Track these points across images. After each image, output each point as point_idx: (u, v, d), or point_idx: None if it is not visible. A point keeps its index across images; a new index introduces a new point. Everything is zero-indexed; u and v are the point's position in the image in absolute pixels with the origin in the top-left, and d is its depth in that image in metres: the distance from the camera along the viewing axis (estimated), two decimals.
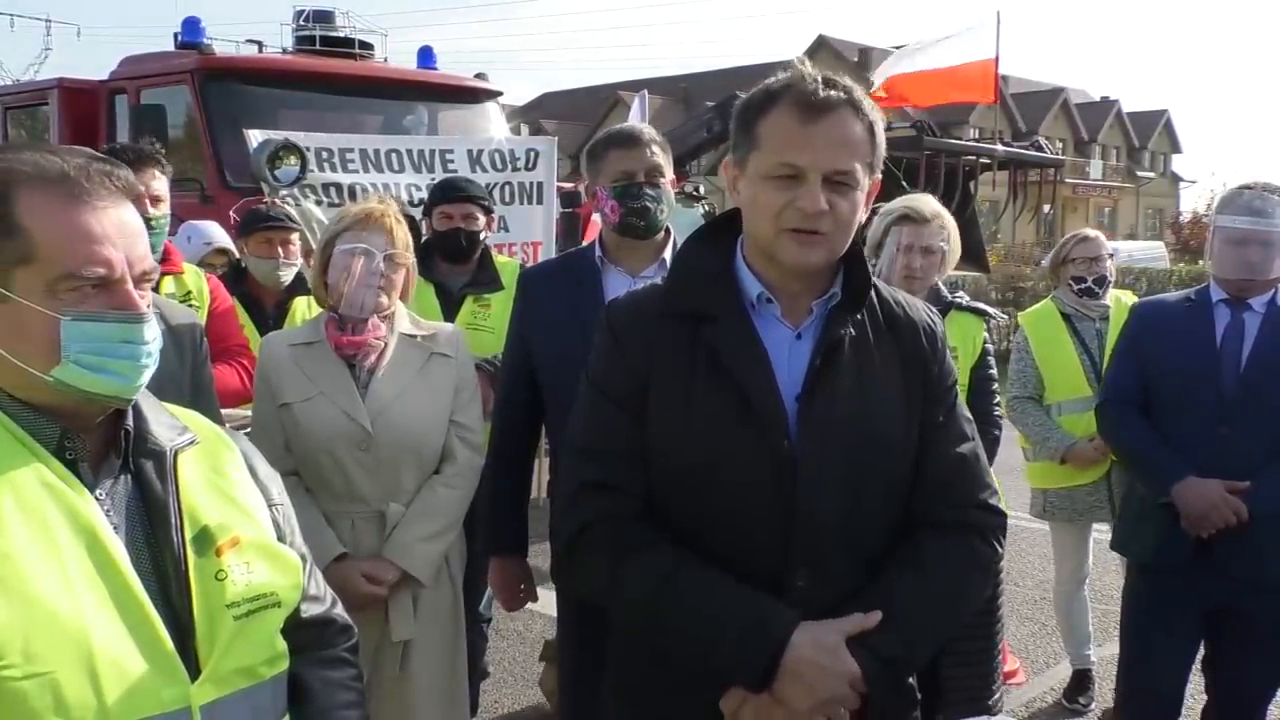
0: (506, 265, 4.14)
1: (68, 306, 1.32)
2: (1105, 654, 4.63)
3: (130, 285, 1.36)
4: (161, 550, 1.37)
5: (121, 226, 1.36)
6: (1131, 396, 3.24)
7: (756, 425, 1.73)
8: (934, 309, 1.99)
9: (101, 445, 1.40)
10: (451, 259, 3.91)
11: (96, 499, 1.34)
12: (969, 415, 1.94)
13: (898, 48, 15.00)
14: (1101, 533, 4.47)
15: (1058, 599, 4.63)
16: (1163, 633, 3.15)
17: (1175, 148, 58.59)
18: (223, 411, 2.89)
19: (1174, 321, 3.19)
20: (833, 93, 1.70)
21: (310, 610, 1.57)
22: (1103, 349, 4.21)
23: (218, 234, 5.08)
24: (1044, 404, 4.34)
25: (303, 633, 1.53)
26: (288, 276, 4.19)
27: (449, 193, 3.98)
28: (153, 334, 1.39)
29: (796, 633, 1.67)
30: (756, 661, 1.66)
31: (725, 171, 1.84)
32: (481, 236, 3.98)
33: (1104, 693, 4.54)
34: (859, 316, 1.81)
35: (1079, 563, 4.49)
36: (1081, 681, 4.55)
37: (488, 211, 4.03)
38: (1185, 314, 3.18)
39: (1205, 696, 3.33)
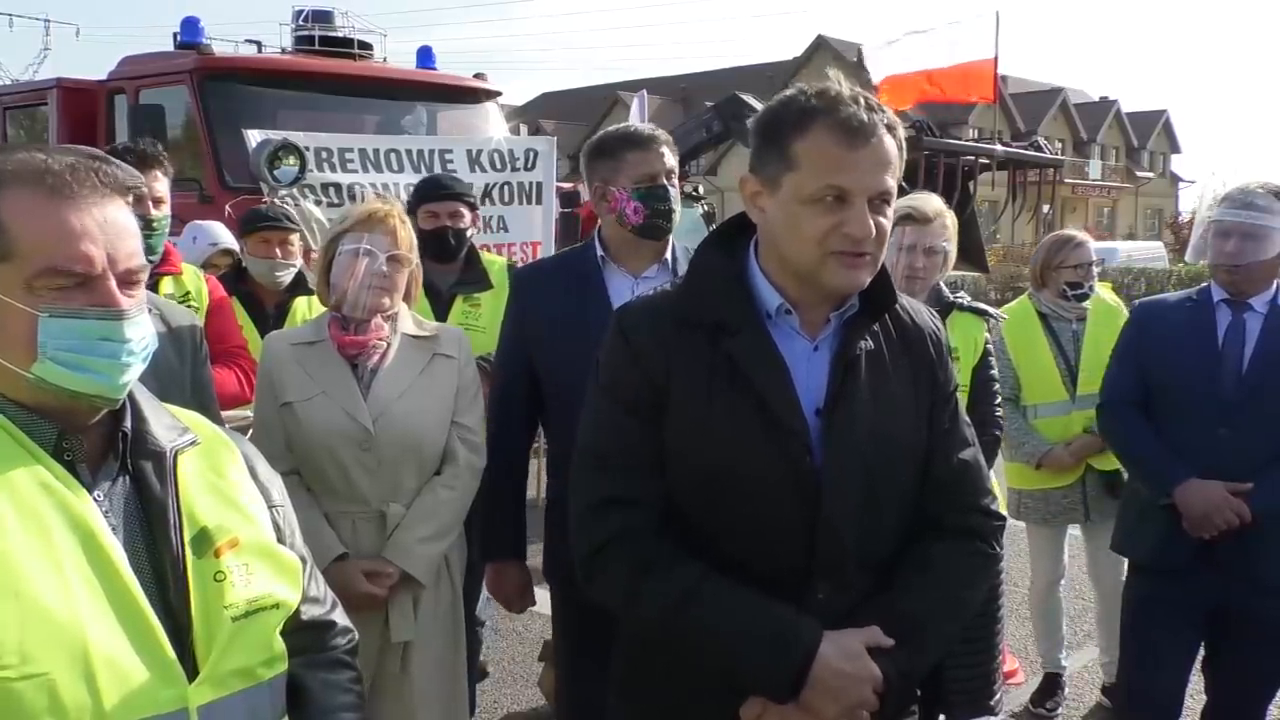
0: (494, 263, 4.08)
1: (46, 304, 1.31)
2: (1090, 656, 4.63)
3: (112, 282, 1.34)
4: (160, 551, 1.37)
5: (105, 224, 1.34)
6: (1132, 397, 3.23)
7: (779, 439, 1.73)
8: (936, 313, 2.00)
9: (100, 446, 1.40)
10: (439, 258, 3.82)
11: (95, 500, 1.33)
12: (968, 420, 1.96)
13: (891, 42, 14.95)
14: (1076, 534, 4.48)
15: (1032, 600, 4.61)
16: (1163, 633, 3.14)
17: (1174, 148, 58.62)
18: (224, 413, 2.89)
19: (1175, 322, 3.19)
20: (874, 116, 1.69)
21: (310, 612, 1.56)
22: (1079, 351, 4.18)
23: (223, 234, 5.07)
24: (1020, 405, 4.27)
25: (302, 634, 1.53)
26: (286, 277, 4.18)
27: (434, 191, 3.91)
28: (137, 332, 1.37)
29: (823, 643, 1.68)
30: (784, 674, 1.67)
31: (744, 187, 1.81)
32: (469, 234, 3.93)
33: (1084, 696, 4.56)
34: (874, 328, 1.81)
35: (1053, 564, 4.47)
36: (1051, 686, 4.49)
37: (473, 209, 3.98)
38: (1186, 314, 3.17)
39: (1205, 697, 3.33)
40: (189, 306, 3.36)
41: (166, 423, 1.46)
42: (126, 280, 1.36)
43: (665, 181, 2.79)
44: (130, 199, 1.41)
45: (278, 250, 4.15)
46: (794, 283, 1.77)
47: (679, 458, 1.77)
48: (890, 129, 1.72)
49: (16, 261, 1.30)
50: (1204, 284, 3.24)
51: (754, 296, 1.80)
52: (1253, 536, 2.94)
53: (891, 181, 1.71)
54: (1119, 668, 3.36)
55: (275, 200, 5.72)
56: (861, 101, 1.70)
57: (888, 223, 1.72)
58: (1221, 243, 3.05)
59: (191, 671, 1.33)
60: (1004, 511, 1.96)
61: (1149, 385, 3.19)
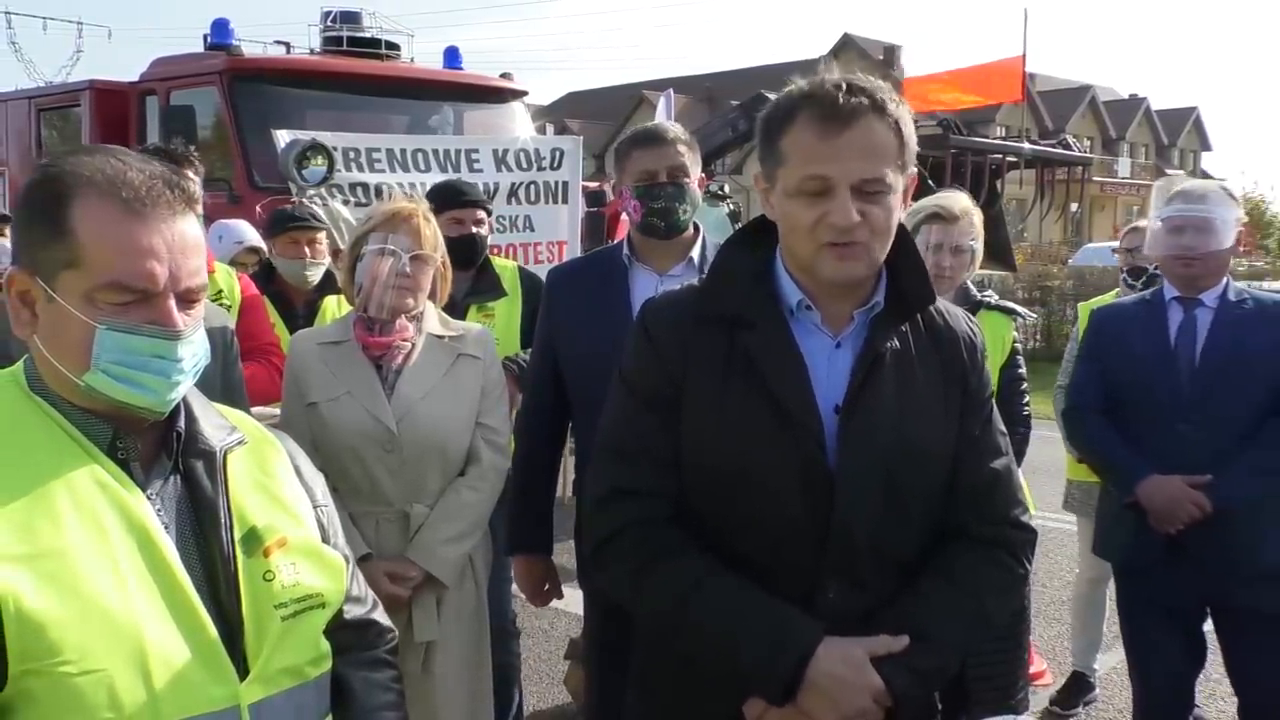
0: (505, 268, 4.04)
1: (104, 316, 1.32)
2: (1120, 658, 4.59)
3: (171, 301, 1.35)
4: (211, 550, 1.38)
5: (173, 241, 1.35)
6: (1094, 401, 3.30)
7: (792, 436, 1.70)
8: (972, 317, 1.96)
9: (153, 445, 1.41)
10: (464, 265, 3.75)
11: (148, 499, 1.35)
12: (1003, 429, 1.91)
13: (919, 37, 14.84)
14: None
15: (1075, 595, 4.63)
16: (1154, 633, 3.19)
17: (1205, 145, 57.99)
18: (253, 409, 2.92)
19: (1130, 323, 3.26)
20: (854, 99, 1.64)
21: (353, 611, 1.58)
22: None
23: (249, 233, 5.11)
24: None
25: (345, 633, 1.54)
26: (315, 276, 4.21)
27: (456, 197, 3.86)
28: (189, 351, 1.38)
29: (821, 647, 1.65)
30: (779, 676, 1.65)
31: (757, 185, 1.81)
32: (488, 241, 3.93)
33: (1115, 698, 4.52)
34: (902, 328, 1.78)
35: (1096, 562, 4.41)
36: (1078, 685, 4.48)
37: (489, 214, 3.97)
38: (1140, 315, 3.25)
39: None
40: (221, 304, 3.40)
41: (215, 422, 1.48)
42: (186, 298, 1.37)
43: (667, 179, 2.78)
44: (199, 210, 1.41)
45: (306, 249, 4.18)
46: (806, 277, 1.76)
47: (693, 453, 1.76)
48: (880, 111, 1.65)
49: (82, 271, 1.32)
50: (1155, 286, 3.32)
51: (777, 292, 1.79)
52: (1220, 528, 2.97)
53: (880, 168, 1.65)
54: (1129, 673, 3.40)
55: (304, 200, 5.76)
56: (843, 86, 1.65)
57: (880, 210, 1.67)
58: (1176, 237, 3.11)
59: (242, 670, 1.35)
60: (1032, 510, 1.94)
61: (1109, 387, 3.25)
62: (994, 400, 3.05)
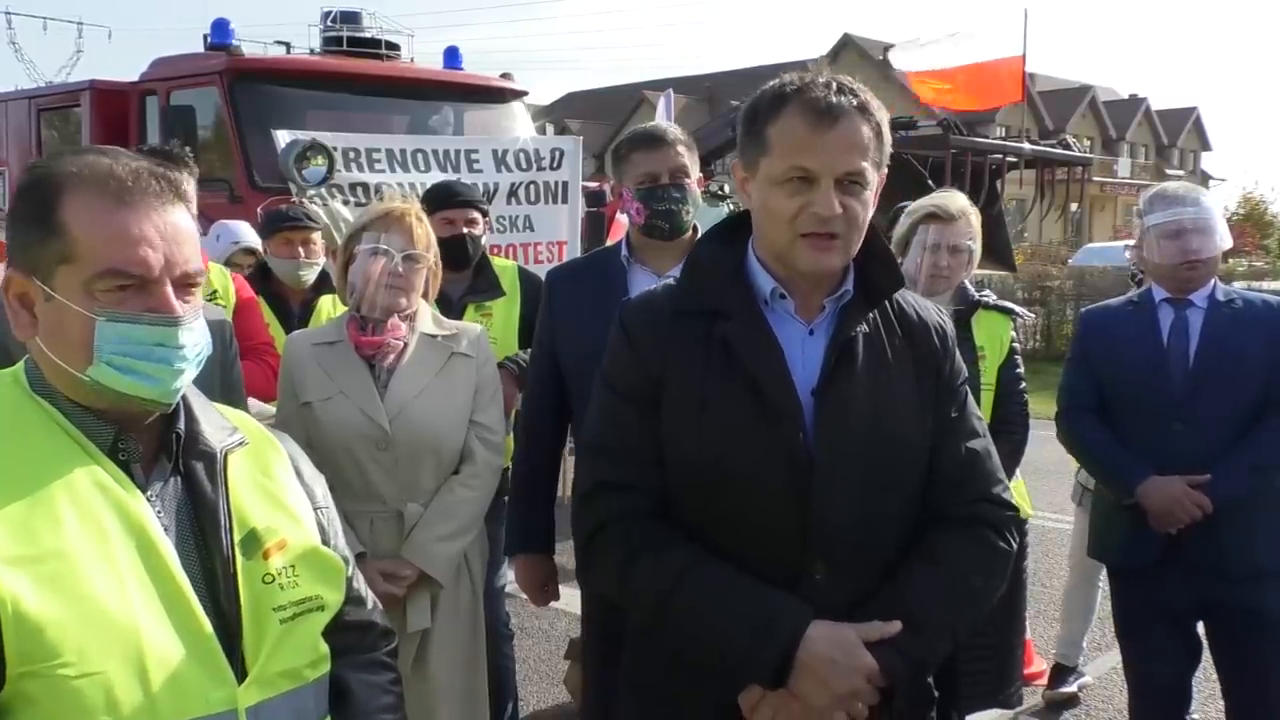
0: (505, 269, 4.02)
1: (102, 307, 1.32)
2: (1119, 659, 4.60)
3: (168, 288, 1.35)
4: (210, 552, 1.38)
5: (165, 229, 1.35)
6: (1087, 402, 3.31)
7: (772, 421, 1.74)
8: (943, 308, 2.00)
9: (154, 447, 1.41)
10: (456, 266, 3.72)
11: (148, 500, 1.35)
12: (979, 413, 1.95)
13: (920, 44, 14.82)
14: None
15: (1068, 585, 4.65)
16: (1149, 633, 3.20)
17: (1205, 145, 58.01)
18: (251, 408, 2.92)
19: (1120, 325, 3.27)
20: (843, 99, 1.71)
21: (353, 613, 1.57)
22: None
23: (246, 233, 5.10)
24: None
25: (344, 635, 1.54)
26: (310, 275, 4.20)
27: (450, 198, 3.83)
28: (190, 339, 1.38)
29: (811, 628, 1.67)
30: (769, 659, 1.67)
31: (735, 173, 1.85)
32: (483, 241, 3.92)
33: (1115, 699, 4.52)
34: (871, 316, 1.82)
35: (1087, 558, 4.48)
36: (1058, 675, 4.53)
37: (485, 214, 3.95)
38: (1131, 317, 3.26)
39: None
40: (216, 305, 3.40)
41: (216, 422, 1.48)
42: (183, 284, 1.37)
43: (668, 181, 2.79)
44: (191, 205, 1.42)
45: (300, 250, 4.18)
46: (780, 266, 1.80)
47: (676, 445, 1.78)
48: (864, 112, 1.72)
49: (77, 264, 1.32)
50: (1145, 287, 3.32)
51: (750, 283, 1.83)
52: (1216, 527, 2.99)
53: (861, 163, 1.71)
54: (1124, 673, 3.40)
55: (304, 200, 5.76)
56: (833, 85, 1.72)
57: (858, 203, 1.73)
58: (1180, 242, 3.10)
59: (240, 672, 1.34)
60: (1019, 503, 1.94)
61: (1102, 388, 3.27)
62: (993, 402, 3.04)
